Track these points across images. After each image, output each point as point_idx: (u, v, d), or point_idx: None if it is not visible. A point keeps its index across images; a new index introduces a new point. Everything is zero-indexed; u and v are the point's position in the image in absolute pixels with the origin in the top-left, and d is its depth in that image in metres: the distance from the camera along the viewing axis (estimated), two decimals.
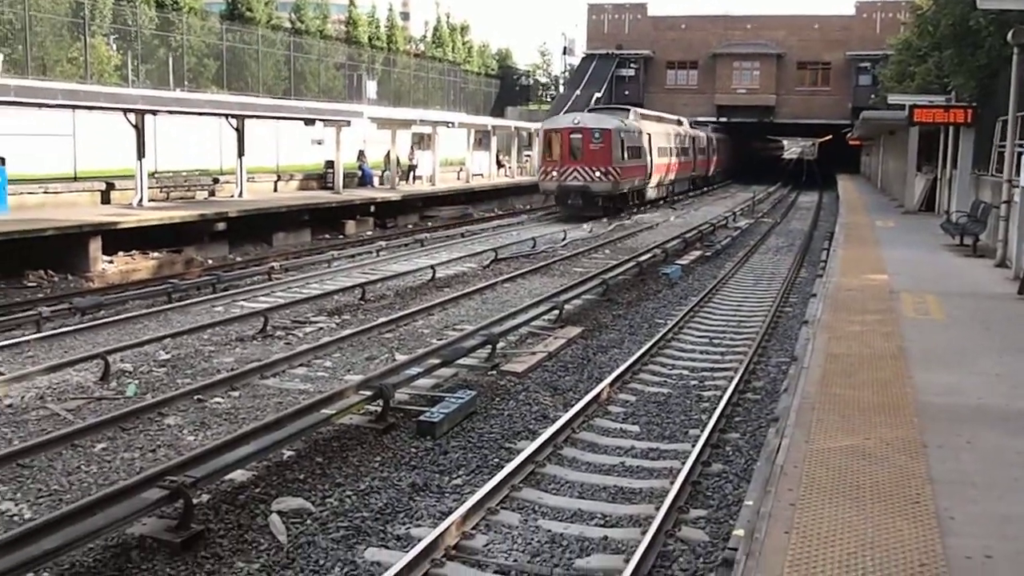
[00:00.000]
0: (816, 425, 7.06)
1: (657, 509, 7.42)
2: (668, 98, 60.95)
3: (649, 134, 39.87)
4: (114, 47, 39.63)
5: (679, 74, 64.06)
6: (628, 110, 41.01)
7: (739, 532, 5.75)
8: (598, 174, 34.22)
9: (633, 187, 37.90)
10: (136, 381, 11.39)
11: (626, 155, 35.73)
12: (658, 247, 23.95)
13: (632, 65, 63.25)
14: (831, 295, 13.05)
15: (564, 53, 74.25)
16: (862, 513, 5.44)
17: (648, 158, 39.40)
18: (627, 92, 60.92)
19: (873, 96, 46.83)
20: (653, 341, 13.45)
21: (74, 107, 24.03)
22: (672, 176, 45.40)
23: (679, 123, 49.40)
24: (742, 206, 41.07)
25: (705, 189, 54.79)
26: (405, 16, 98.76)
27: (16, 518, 7.39)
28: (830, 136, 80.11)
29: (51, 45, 34.41)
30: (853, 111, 53.21)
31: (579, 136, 34.87)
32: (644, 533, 6.97)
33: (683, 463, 8.47)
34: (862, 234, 22.18)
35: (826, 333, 10.40)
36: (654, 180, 40.99)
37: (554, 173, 35.11)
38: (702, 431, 9.41)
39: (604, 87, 58.56)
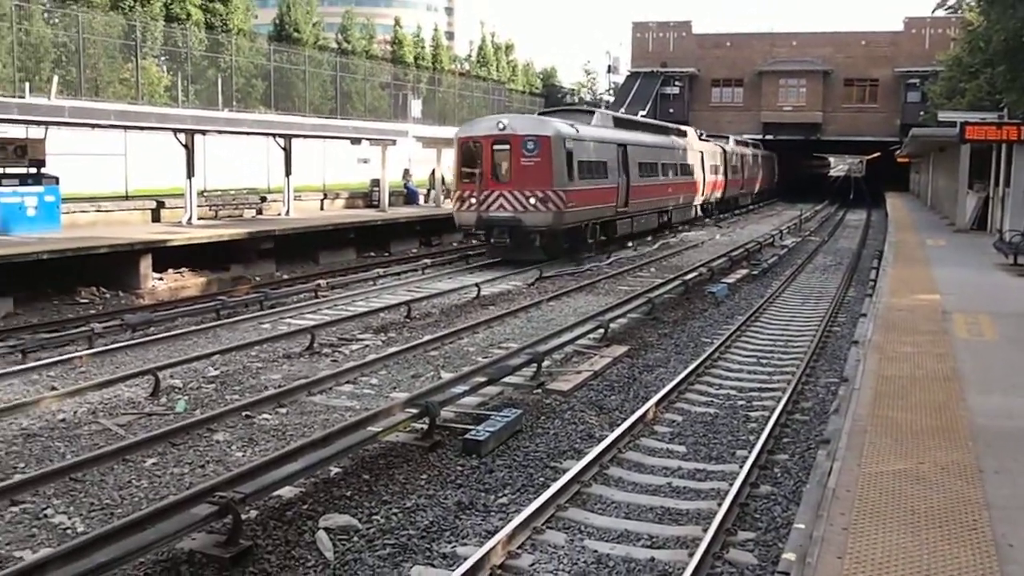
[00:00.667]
0: (868, 448, 6.95)
1: (704, 531, 7.34)
2: (713, 116, 60.80)
3: (625, 145, 29.97)
4: (164, 68, 40.44)
5: (724, 91, 63.85)
6: (592, 112, 31.74)
7: (789, 556, 5.66)
8: (532, 200, 24.10)
9: (592, 218, 27.24)
10: (186, 397, 11.54)
11: (577, 173, 25.50)
12: (703, 265, 23.76)
13: (677, 83, 63.16)
14: (881, 315, 12.87)
15: (609, 71, 74.38)
16: (917, 539, 5.34)
17: (622, 178, 29.21)
18: (672, 110, 60.86)
19: (922, 113, 46.27)
20: (700, 360, 13.34)
21: (126, 127, 24.58)
22: (671, 202, 36.07)
23: (681, 134, 39.95)
24: (788, 224, 40.67)
25: (722, 217, 45.09)
26: (450, 36, 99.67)
27: (69, 531, 7.51)
28: (878, 153, 79.25)
29: (104, 67, 35.20)
30: (902, 128, 52.62)
31: (505, 147, 24.52)
32: (692, 555, 6.91)
33: (731, 484, 8.38)
34: (912, 253, 21.86)
35: (877, 354, 10.25)
36: (631, 208, 30.34)
37: (472, 200, 24.74)
38: (750, 452, 9.29)
39: (649, 105, 58.46)
